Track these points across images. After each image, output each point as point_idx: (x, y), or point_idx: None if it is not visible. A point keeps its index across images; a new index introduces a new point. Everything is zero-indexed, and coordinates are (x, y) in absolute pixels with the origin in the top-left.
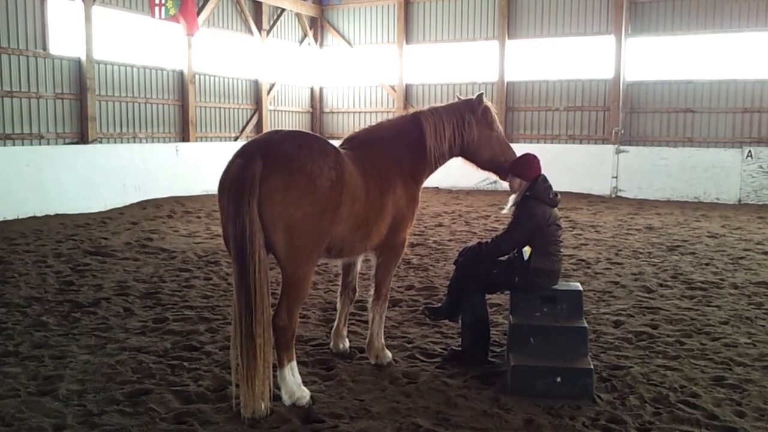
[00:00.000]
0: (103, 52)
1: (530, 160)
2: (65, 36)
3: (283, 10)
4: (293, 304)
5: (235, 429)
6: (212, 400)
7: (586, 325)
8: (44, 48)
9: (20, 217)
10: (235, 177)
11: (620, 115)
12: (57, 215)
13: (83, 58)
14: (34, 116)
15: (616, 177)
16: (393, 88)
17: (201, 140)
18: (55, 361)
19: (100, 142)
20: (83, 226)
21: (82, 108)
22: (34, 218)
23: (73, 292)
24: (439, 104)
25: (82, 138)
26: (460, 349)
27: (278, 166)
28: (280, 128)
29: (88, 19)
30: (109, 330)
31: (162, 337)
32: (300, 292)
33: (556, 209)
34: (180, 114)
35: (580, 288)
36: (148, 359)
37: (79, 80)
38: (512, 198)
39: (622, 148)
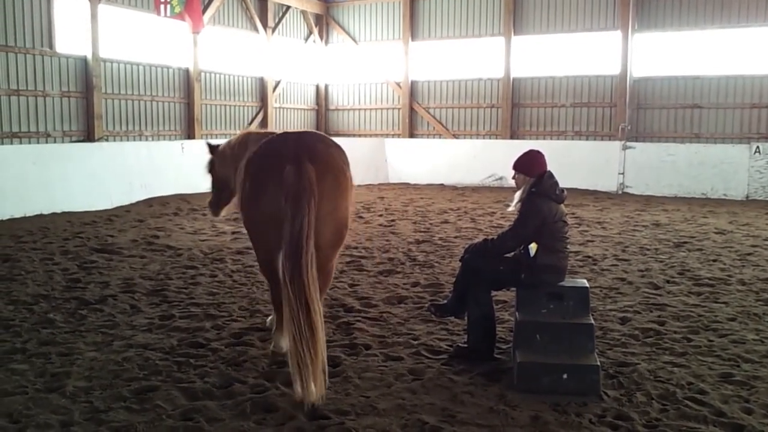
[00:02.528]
0: (109, 50)
1: (536, 157)
2: (71, 34)
3: (288, 7)
4: (327, 288)
5: (242, 426)
6: (218, 396)
7: (592, 321)
8: (50, 46)
9: (27, 214)
10: (294, 181)
11: (627, 111)
12: (63, 213)
13: (89, 56)
14: (40, 114)
15: (622, 173)
16: (398, 84)
17: (207, 138)
18: (62, 358)
19: (107, 140)
20: (90, 224)
21: (88, 106)
22: (40, 216)
23: (80, 289)
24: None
25: (89, 136)
26: (466, 345)
27: (325, 168)
28: (288, 129)
29: (94, 17)
30: (115, 327)
31: (168, 334)
32: (331, 278)
33: (562, 205)
34: (186, 112)
35: (587, 285)
36: (154, 356)
37: (86, 78)
38: (518, 194)
39: (628, 144)
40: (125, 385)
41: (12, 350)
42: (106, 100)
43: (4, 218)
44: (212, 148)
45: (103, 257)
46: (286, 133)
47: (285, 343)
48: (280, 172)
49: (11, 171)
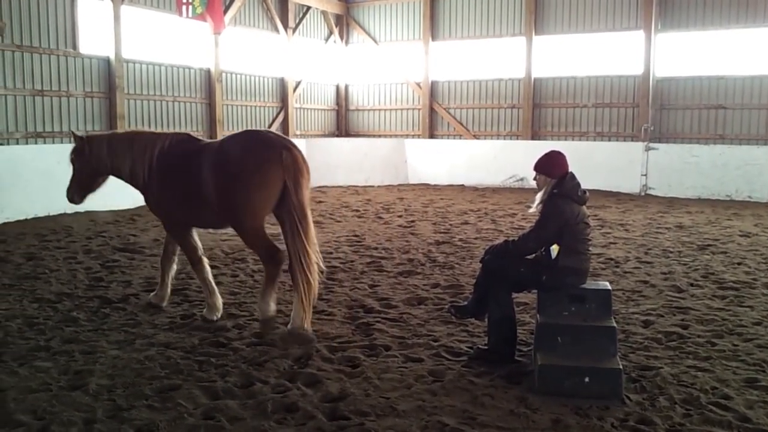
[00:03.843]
0: (132, 51)
1: (557, 157)
2: (95, 35)
3: (309, 8)
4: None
5: (262, 425)
6: (239, 396)
7: (615, 324)
8: (74, 47)
9: (51, 214)
10: (298, 162)
11: (650, 112)
12: (86, 212)
13: (112, 57)
14: (64, 114)
15: (645, 174)
16: (419, 85)
17: None
18: (85, 356)
19: None
20: (112, 223)
21: (111, 106)
22: (64, 215)
23: (103, 288)
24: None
25: None
26: (486, 347)
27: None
28: (307, 130)
29: (116, 18)
30: (137, 326)
31: (190, 333)
32: None
33: (584, 207)
34: (207, 112)
35: (609, 287)
36: (176, 355)
37: (109, 79)
38: (539, 195)
39: (651, 145)
40: (147, 383)
41: (36, 348)
42: (128, 101)
43: (29, 217)
44: (85, 138)
45: (126, 256)
46: (255, 130)
47: (273, 307)
48: (280, 155)
49: (36, 170)
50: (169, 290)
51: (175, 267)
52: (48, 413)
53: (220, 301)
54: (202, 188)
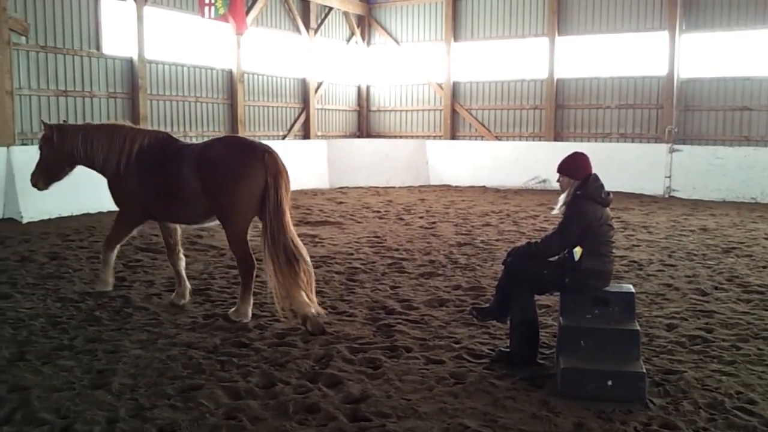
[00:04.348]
0: (155, 51)
1: (581, 159)
2: (118, 36)
3: (330, 8)
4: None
5: (284, 426)
6: (261, 396)
7: (638, 328)
8: (97, 48)
9: (74, 213)
10: (278, 164)
11: (674, 113)
12: (109, 212)
13: (135, 57)
14: (87, 115)
15: (669, 176)
16: (440, 86)
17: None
18: (108, 355)
19: None
20: None
21: (134, 107)
22: (87, 215)
23: (126, 287)
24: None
25: None
26: (508, 350)
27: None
28: (328, 131)
29: (139, 19)
30: (160, 325)
31: (212, 333)
32: None
33: (608, 209)
34: (229, 113)
35: (633, 290)
36: (198, 355)
37: (131, 79)
38: (562, 197)
39: (675, 146)
40: (170, 383)
41: (60, 347)
42: (151, 101)
43: (53, 217)
44: (55, 127)
45: (148, 256)
46: (236, 135)
47: (249, 311)
48: (262, 158)
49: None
50: (188, 285)
51: (183, 259)
52: (71, 412)
53: (112, 279)
54: (182, 187)
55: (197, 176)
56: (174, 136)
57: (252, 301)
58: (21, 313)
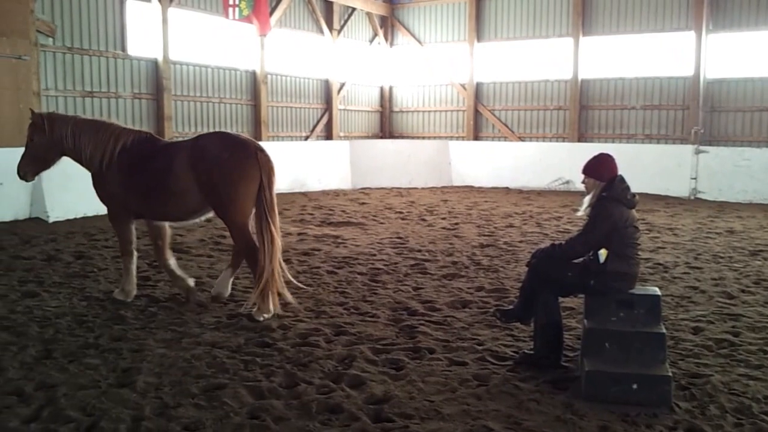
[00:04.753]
0: (179, 52)
1: (606, 160)
2: (143, 37)
3: (353, 9)
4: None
5: (307, 426)
6: (284, 396)
7: (664, 331)
8: (123, 49)
9: (99, 213)
10: (270, 161)
11: (700, 114)
12: None
13: (160, 58)
14: (113, 115)
15: (695, 178)
16: (463, 86)
17: (272, 140)
18: (133, 353)
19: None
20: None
21: (158, 108)
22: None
23: (150, 287)
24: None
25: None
26: (532, 352)
27: None
28: (352, 132)
29: (164, 20)
30: (184, 325)
31: (235, 332)
32: None
33: (633, 211)
34: (252, 114)
35: (659, 293)
36: (222, 354)
37: (156, 80)
38: (587, 199)
39: (701, 148)
40: (194, 382)
41: (85, 345)
42: (175, 102)
43: (78, 216)
44: (44, 116)
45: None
46: (225, 131)
47: (227, 291)
48: (255, 156)
49: (85, 170)
50: (182, 279)
51: (173, 257)
52: (97, 409)
53: (134, 290)
54: (172, 183)
55: (191, 171)
56: (155, 135)
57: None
58: (47, 312)
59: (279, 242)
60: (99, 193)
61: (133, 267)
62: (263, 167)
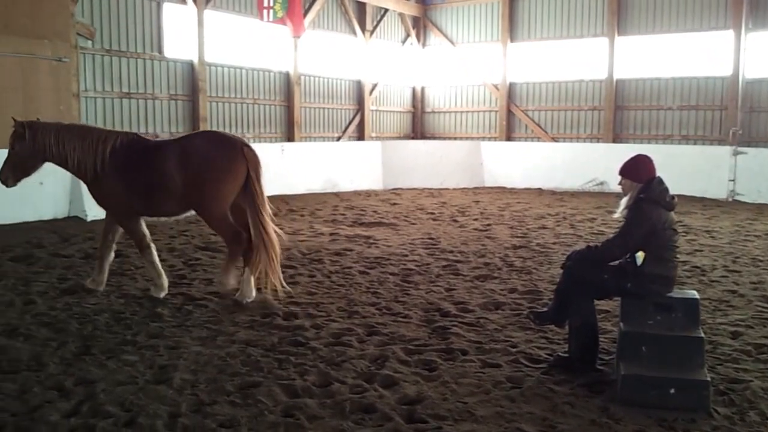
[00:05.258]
0: (214, 54)
1: (644, 161)
2: (179, 39)
3: (386, 10)
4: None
5: (341, 425)
6: (318, 395)
7: (702, 335)
8: (159, 51)
9: None
10: (256, 157)
11: (738, 115)
12: None
13: (195, 60)
14: (150, 116)
15: (733, 180)
16: (496, 86)
17: (305, 140)
18: (169, 351)
19: None
20: (194, 223)
21: (194, 108)
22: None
23: (186, 285)
24: None
25: None
26: (566, 355)
27: None
28: (382, 132)
29: (200, 22)
30: (219, 323)
31: (269, 331)
32: None
33: (672, 213)
34: (285, 115)
35: (697, 296)
36: (256, 353)
37: (192, 82)
38: (624, 201)
39: (740, 149)
40: (229, 379)
41: (123, 342)
42: (210, 103)
43: None
44: (26, 124)
45: (207, 255)
46: (213, 130)
47: (233, 282)
48: (242, 151)
49: None
50: (106, 276)
51: (113, 254)
52: (135, 405)
53: (166, 281)
54: (164, 181)
55: (180, 170)
56: (142, 135)
57: (235, 272)
58: (86, 309)
59: (272, 230)
60: (99, 198)
61: (156, 259)
62: (250, 162)
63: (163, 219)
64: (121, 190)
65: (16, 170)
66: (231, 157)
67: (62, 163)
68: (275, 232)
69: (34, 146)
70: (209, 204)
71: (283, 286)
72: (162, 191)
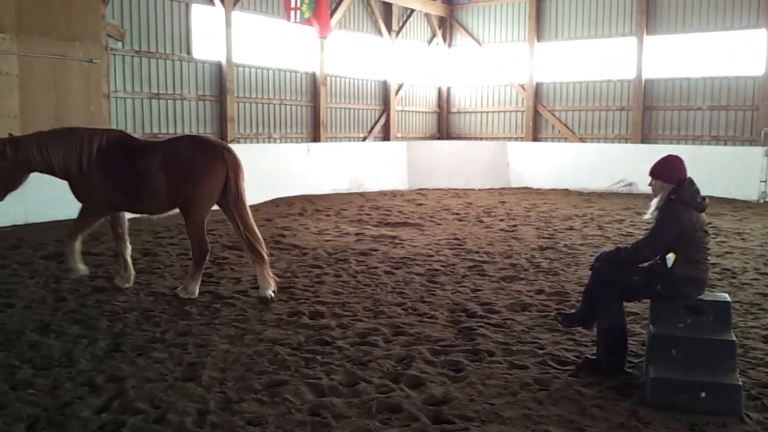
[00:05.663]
0: (242, 55)
1: (675, 162)
2: (207, 40)
3: (412, 10)
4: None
5: (367, 425)
6: (345, 394)
7: (734, 338)
8: (188, 52)
9: None
10: (236, 160)
11: None
12: None
13: (223, 61)
14: (178, 117)
15: (764, 181)
16: (522, 86)
17: (330, 140)
18: (198, 348)
19: (239, 143)
20: (222, 222)
21: (222, 109)
22: (177, 214)
23: (214, 284)
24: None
25: (222, 138)
26: (595, 357)
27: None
28: (407, 133)
29: (228, 24)
30: (246, 321)
31: (296, 330)
32: None
33: (703, 214)
34: (312, 115)
35: (728, 299)
36: (283, 351)
37: (220, 82)
38: (654, 202)
39: None
40: (256, 377)
41: (153, 339)
42: (238, 104)
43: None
44: (5, 141)
45: (234, 254)
46: (196, 135)
47: (271, 285)
48: (222, 155)
49: None
50: (132, 270)
51: (129, 246)
52: (164, 402)
53: (82, 269)
54: (149, 181)
55: (162, 172)
56: (129, 134)
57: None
58: (116, 306)
59: (255, 229)
60: (79, 194)
61: (77, 248)
62: (230, 165)
63: (145, 216)
64: (105, 188)
65: (4, 185)
66: (211, 159)
67: (49, 170)
68: (257, 231)
69: (17, 160)
70: (190, 204)
71: (276, 282)
72: (145, 190)
